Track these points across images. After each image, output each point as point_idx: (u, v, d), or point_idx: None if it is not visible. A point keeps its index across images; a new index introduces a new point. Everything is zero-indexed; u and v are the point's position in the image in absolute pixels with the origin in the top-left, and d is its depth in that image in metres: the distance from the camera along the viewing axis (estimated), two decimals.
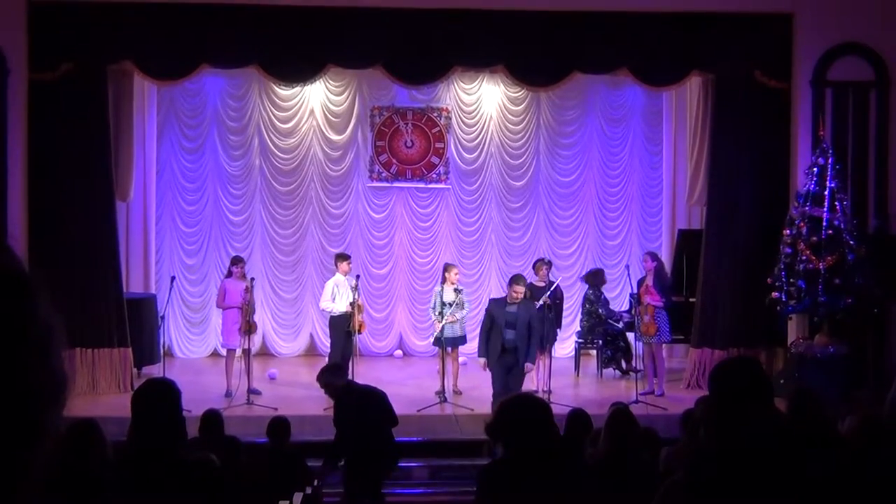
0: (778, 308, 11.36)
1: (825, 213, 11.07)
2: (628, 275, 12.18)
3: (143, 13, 11.43)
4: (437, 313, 11.61)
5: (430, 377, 12.31)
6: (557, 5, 11.71)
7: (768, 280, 11.35)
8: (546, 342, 11.15)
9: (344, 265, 11.94)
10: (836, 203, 11.14)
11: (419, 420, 10.54)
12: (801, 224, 11.16)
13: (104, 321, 11.66)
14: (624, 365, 13.04)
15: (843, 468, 4.25)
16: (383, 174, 14.54)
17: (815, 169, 11.29)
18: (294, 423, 7.71)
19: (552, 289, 11.72)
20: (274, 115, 14.31)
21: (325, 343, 13.23)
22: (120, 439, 4.61)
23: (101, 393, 11.46)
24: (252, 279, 11.89)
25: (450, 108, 14.53)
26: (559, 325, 12.52)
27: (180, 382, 4.28)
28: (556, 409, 4.52)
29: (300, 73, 12.27)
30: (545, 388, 11.03)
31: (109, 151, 11.83)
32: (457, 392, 11.69)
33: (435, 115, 14.54)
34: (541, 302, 10.95)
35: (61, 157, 11.49)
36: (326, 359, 11.93)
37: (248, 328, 11.43)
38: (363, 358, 12.92)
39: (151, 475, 3.63)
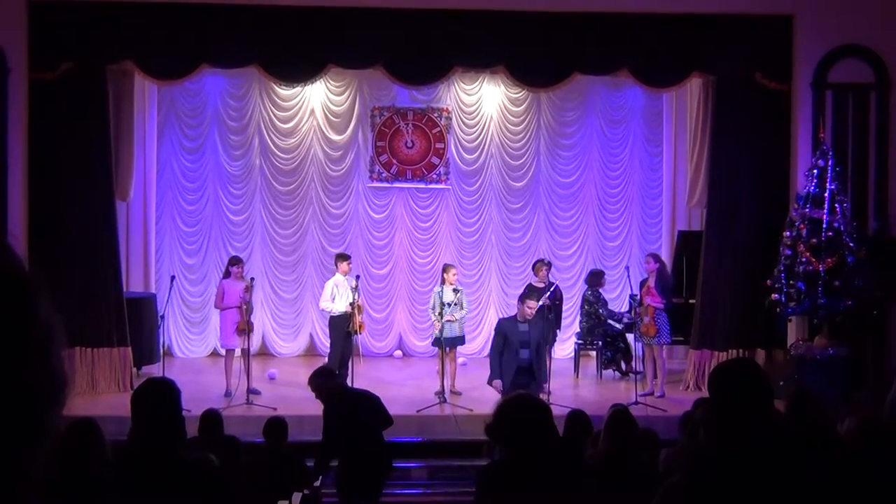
0: (778, 310, 11.36)
1: (825, 215, 11.07)
2: (628, 276, 12.18)
3: (143, 13, 11.43)
4: (436, 314, 11.61)
5: (430, 377, 12.31)
6: (558, 6, 11.71)
7: (768, 282, 11.35)
8: (546, 344, 11.14)
9: (344, 265, 11.94)
10: (836, 205, 11.14)
11: (418, 420, 10.54)
12: (801, 226, 11.16)
13: (104, 321, 11.66)
14: (623, 366, 13.03)
15: (843, 470, 4.25)
16: (383, 174, 14.54)
17: (815, 171, 11.29)
18: (293, 424, 7.70)
19: (552, 290, 11.72)
20: (274, 115, 14.32)
21: (324, 343, 13.23)
22: (119, 439, 4.62)
23: (100, 392, 11.45)
24: (252, 279, 11.89)
25: (450, 109, 14.54)
26: (559, 327, 12.53)
27: (180, 382, 4.28)
28: (555, 410, 4.52)
29: (300, 73, 12.28)
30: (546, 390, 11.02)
31: (109, 151, 11.83)
32: (455, 392, 11.68)
33: (435, 115, 14.54)
34: (540, 303, 10.95)
35: (61, 157, 11.49)
36: (326, 359, 11.94)
37: (246, 328, 11.42)
38: (363, 358, 12.93)
39: (151, 475, 3.63)
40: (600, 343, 13.02)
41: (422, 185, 14.62)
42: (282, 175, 14.34)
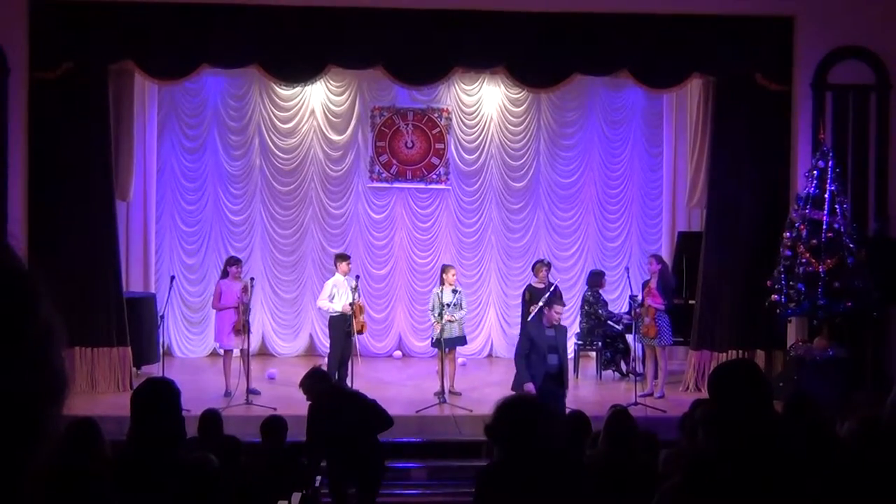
0: (777, 311, 11.36)
1: (825, 216, 11.06)
2: (628, 277, 12.18)
3: (143, 13, 11.44)
4: (436, 315, 11.60)
5: (430, 378, 12.31)
6: (558, 6, 11.71)
7: (768, 283, 11.35)
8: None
9: (343, 265, 11.94)
10: (836, 206, 11.13)
11: (418, 421, 10.54)
12: (801, 227, 11.15)
13: (104, 320, 11.67)
14: (623, 367, 13.03)
15: (842, 471, 4.25)
16: (383, 175, 14.54)
17: (815, 172, 11.28)
18: (293, 424, 7.69)
19: (551, 290, 11.72)
20: (274, 115, 14.32)
21: (324, 343, 13.22)
22: (119, 438, 4.61)
23: (100, 392, 11.46)
24: (252, 279, 11.89)
25: (450, 109, 14.54)
26: None
27: (179, 382, 4.28)
28: None
29: (300, 73, 12.28)
30: None
31: (109, 151, 11.83)
32: (454, 393, 11.67)
33: (435, 115, 14.54)
34: (540, 303, 10.95)
35: (61, 157, 11.49)
36: (326, 359, 11.94)
37: (242, 328, 11.40)
38: (363, 358, 12.92)
39: (151, 474, 3.63)
40: (600, 344, 13.02)
41: (422, 186, 14.62)
42: (282, 175, 14.34)
